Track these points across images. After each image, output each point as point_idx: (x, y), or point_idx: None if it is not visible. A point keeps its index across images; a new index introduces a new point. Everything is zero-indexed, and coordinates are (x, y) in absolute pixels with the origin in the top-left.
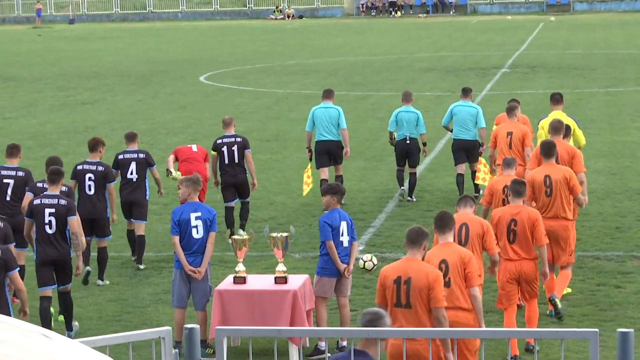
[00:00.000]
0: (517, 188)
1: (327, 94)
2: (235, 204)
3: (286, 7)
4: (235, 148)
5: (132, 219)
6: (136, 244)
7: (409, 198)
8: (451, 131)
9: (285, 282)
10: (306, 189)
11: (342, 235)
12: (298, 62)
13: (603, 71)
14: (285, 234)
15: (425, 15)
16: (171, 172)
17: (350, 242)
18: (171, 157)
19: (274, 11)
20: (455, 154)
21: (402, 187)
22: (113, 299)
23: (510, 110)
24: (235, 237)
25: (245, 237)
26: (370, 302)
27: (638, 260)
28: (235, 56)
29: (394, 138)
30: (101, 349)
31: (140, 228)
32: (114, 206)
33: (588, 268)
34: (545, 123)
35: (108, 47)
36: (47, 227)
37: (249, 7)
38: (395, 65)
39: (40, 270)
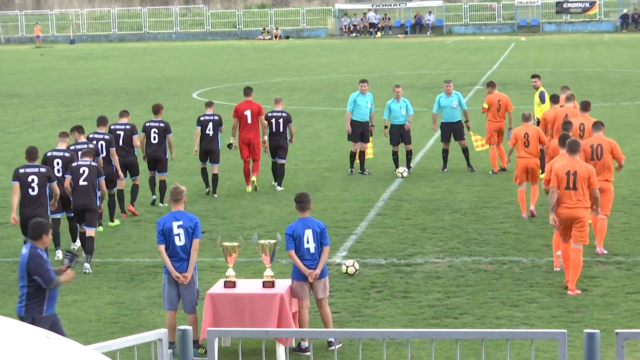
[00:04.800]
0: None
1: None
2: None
3: (273, 28)
4: (281, 121)
5: (210, 163)
6: (213, 180)
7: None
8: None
9: (273, 286)
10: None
11: (307, 242)
12: (285, 79)
13: (571, 88)
14: (272, 241)
15: (403, 35)
16: (233, 145)
17: (320, 248)
18: (235, 122)
19: (262, 32)
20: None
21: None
22: (111, 302)
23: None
24: (226, 243)
25: (235, 244)
26: (352, 305)
27: (603, 265)
28: (226, 74)
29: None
30: (111, 353)
31: (215, 168)
32: (172, 150)
33: (557, 273)
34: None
35: (106, 65)
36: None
37: (238, 28)
38: (376, 83)
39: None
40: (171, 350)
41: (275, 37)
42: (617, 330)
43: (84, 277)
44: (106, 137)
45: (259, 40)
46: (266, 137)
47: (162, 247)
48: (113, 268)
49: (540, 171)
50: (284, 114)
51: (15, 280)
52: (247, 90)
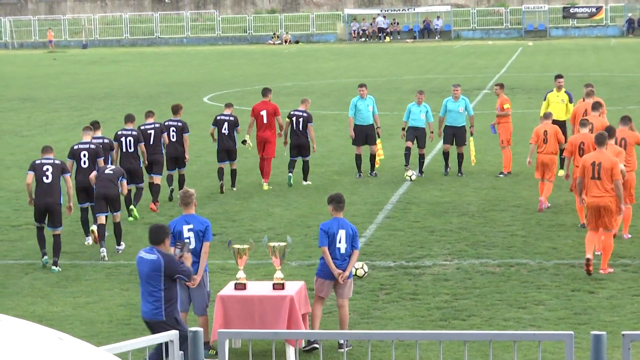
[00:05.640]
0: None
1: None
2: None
3: (283, 32)
4: (301, 120)
5: (228, 161)
6: (231, 176)
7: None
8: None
9: (283, 288)
10: (378, 161)
11: (339, 242)
12: (295, 83)
13: (577, 92)
14: (282, 244)
15: (412, 40)
16: (248, 143)
17: (350, 250)
18: (252, 121)
19: (272, 37)
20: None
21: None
22: (123, 304)
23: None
24: (236, 246)
25: (246, 246)
26: (361, 307)
27: (610, 267)
28: (236, 78)
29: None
30: (123, 354)
31: (233, 164)
32: (187, 149)
33: (564, 275)
34: (551, 96)
35: (118, 70)
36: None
37: (249, 33)
38: (384, 87)
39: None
40: (182, 352)
41: (285, 41)
42: (623, 332)
43: (96, 279)
44: (134, 133)
45: (269, 45)
46: (282, 135)
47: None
48: (125, 270)
49: (558, 167)
50: (304, 114)
51: (28, 282)
52: (265, 91)
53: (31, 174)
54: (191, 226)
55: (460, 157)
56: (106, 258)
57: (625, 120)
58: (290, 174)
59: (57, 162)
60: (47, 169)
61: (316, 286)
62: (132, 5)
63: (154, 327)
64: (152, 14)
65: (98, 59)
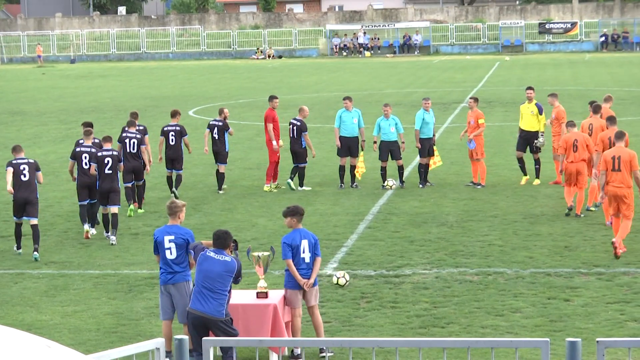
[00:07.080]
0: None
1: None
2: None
3: (267, 47)
4: (295, 128)
5: (218, 163)
6: (218, 178)
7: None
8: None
9: (266, 297)
10: (360, 172)
11: (303, 252)
12: (278, 97)
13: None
14: (266, 253)
15: (392, 55)
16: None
17: (313, 258)
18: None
19: (256, 52)
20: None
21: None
22: (110, 313)
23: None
24: None
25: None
26: (343, 314)
27: (585, 276)
28: (221, 92)
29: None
30: None
31: (221, 167)
32: (189, 147)
33: (540, 283)
34: (523, 108)
35: (106, 84)
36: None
37: (233, 48)
38: (365, 101)
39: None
40: (168, 359)
41: (269, 56)
42: (597, 339)
43: (83, 289)
44: (138, 135)
45: (252, 60)
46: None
47: (158, 258)
48: (112, 279)
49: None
50: (298, 123)
51: (17, 292)
52: (269, 98)
53: (10, 169)
54: (172, 237)
55: (428, 166)
56: (115, 243)
57: (613, 120)
58: (289, 180)
59: (30, 160)
60: (24, 168)
61: (287, 297)
62: (119, 22)
63: (211, 325)
64: (139, 29)
65: (86, 73)
